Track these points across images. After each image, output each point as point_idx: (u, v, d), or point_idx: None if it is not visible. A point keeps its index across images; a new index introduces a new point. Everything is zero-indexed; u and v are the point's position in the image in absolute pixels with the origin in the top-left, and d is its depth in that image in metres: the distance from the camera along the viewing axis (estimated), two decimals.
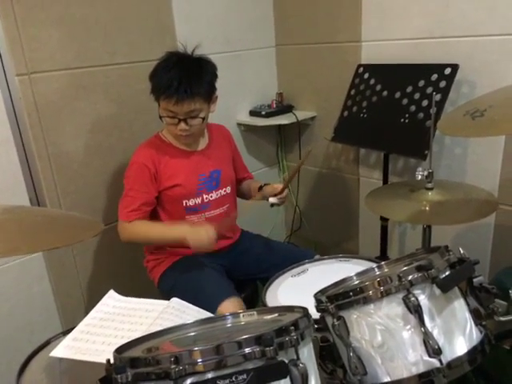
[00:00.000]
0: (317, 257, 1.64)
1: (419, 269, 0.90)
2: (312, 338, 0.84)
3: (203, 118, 1.56)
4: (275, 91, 2.44)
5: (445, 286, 0.89)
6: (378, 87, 1.94)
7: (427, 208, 1.47)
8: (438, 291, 0.90)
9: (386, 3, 1.94)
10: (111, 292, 1.26)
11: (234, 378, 0.68)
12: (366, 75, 2.01)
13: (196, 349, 0.71)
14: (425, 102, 1.75)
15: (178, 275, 1.63)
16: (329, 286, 1.05)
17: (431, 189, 1.51)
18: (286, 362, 0.72)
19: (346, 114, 2.06)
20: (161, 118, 1.56)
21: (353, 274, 1.10)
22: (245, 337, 0.72)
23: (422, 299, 0.89)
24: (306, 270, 1.52)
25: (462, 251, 1.01)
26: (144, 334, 0.91)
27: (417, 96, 1.79)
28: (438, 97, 1.67)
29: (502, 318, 0.99)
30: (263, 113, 2.31)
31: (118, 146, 1.88)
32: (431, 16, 1.82)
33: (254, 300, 1.74)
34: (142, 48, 1.88)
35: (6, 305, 1.69)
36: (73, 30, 1.68)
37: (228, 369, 0.70)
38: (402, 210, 1.50)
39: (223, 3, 2.16)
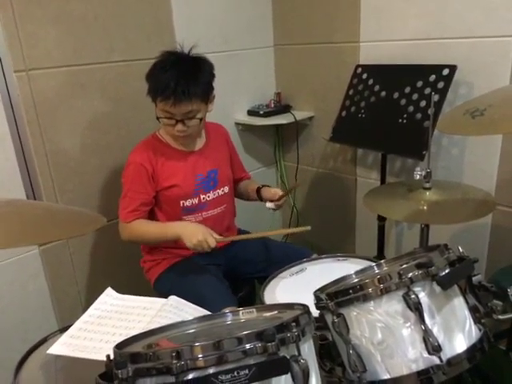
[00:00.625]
0: (315, 256, 1.64)
1: (419, 266, 0.90)
2: (312, 335, 0.84)
3: (201, 119, 1.55)
4: (273, 91, 2.44)
5: (445, 284, 0.90)
6: (377, 88, 1.95)
7: (425, 207, 1.48)
8: (437, 289, 0.90)
9: (384, 4, 1.94)
10: (109, 290, 1.25)
11: (235, 374, 0.67)
12: (365, 76, 2.02)
13: (197, 344, 0.71)
14: (423, 103, 1.76)
15: (174, 280, 1.62)
16: (328, 284, 1.05)
17: (429, 189, 1.52)
18: (288, 357, 0.72)
19: (344, 114, 2.06)
20: (158, 118, 1.55)
21: (352, 272, 1.10)
22: (246, 332, 0.72)
23: (422, 297, 0.90)
24: (304, 268, 1.52)
25: (461, 249, 1.01)
26: (142, 331, 0.91)
27: (415, 96, 1.79)
28: (436, 97, 1.68)
29: (500, 317, 0.99)
30: (261, 112, 2.32)
31: (115, 144, 1.88)
32: (429, 17, 1.83)
33: (251, 299, 1.74)
34: (139, 46, 1.87)
35: (1, 303, 1.68)
36: (71, 28, 1.68)
37: (229, 364, 0.70)
38: (400, 209, 1.51)
39: (222, 3, 2.16)
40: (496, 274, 1.60)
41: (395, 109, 1.85)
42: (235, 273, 1.74)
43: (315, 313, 0.97)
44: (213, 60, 1.59)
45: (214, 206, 1.69)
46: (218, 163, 1.72)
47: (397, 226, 2.23)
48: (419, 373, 0.88)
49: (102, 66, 1.79)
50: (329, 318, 0.96)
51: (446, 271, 0.91)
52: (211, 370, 0.69)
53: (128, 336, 0.87)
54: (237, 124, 2.36)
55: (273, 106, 2.37)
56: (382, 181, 2.04)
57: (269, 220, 2.56)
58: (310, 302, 0.97)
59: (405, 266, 0.92)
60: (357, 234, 2.40)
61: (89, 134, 1.80)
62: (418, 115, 1.77)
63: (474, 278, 1.00)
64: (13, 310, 1.72)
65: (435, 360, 0.87)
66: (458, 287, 0.96)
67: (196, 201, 1.65)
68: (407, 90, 1.83)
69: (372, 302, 0.91)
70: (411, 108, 1.80)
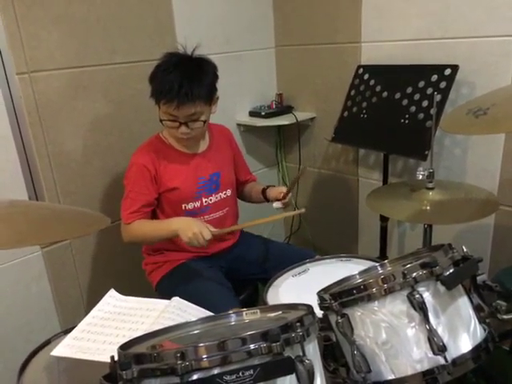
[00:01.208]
0: (317, 257, 1.63)
1: (424, 266, 0.90)
2: (316, 336, 0.83)
3: (204, 121, 1.54)
4: (275, 92, 2.44)
5: (449, 284, 0.89)
6: (378, 88, 1.95)
7: (428, 207, 1.48)
8: (442, 288, 0.90)
9: (385, 4, 1.94)
10: (112, 291, 1.25)
11: (240, 374, 0.67)
12: (366, 76, 2.02)
13: (202, 345, 0.70)
14: (425, 103, 1.76)
15: (176, 283, 1.60)
16: (332, 285, 1.05)
17: (432, 189, 1.52)
18: (293, 358, 0.72)
19: (346, 114, 2.06)
20: (161, 121, 1.53)
21: (355, 272, 1.10)
22: (251, 332, 0.72)
23: (427, 296, 0.89)
24: (306, 269, 1.52)
25: (465, 249, 1.01)
26: (146, 332, 0.90)
27: (417, 97, 1.79)
28: (438, 97, 1.67)
29: (504, 317, 0.99)
30: (263, 113, 2.31)
31: (117, 146, 1.88)
32: (431, 17, 1.82)
33: (254, 301, 1.74)
34: (141, 48, 1.87)
35: (4, 304, 1.68)
36: (73, 29, 1.68)
37: (234, 364, 0.69)
38: (403, 209, 1.50)
39: (223, 4, 2.16)
40: (499, 274, 1.59)
41: (397, 109, 1.84)
42: (237, 274, 1.73)
43: (318, 314, 0.96)
44: (214, 61, 1.58)
45: (216, 209, 1.68)
46: (221, 166, 1.70)
47: (399, 227, 2.22)
48: (424, 373, 0.88)
49: (104, 68, 1.79)
50: (333, 318, 0.95)
51: (451, 271, 0.91)
52: (216, 371, 0.69)
53: (131, 337, 0.87)
54: (238, 125, 2.36)
55: (274, 106, 2.37)
56: (385, 181, 2.03)
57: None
58: (314, 303, 0.97)
59: (409, 265, 0.91)
60: (359, 235, 2.40)
61: (91, 135, 1.80)
62: (421, 115, 1.76)
63: (478, 278, 1.00)
64: (16, 312, 1.72)
65: (440, 360, 0.87)
66: (462, 287, 0.96)
67: (198, 204, 1.64)
68: (409, 90, 1.82)
69: (376, 302, 0.91)
70: (413, 108, 1.79)
